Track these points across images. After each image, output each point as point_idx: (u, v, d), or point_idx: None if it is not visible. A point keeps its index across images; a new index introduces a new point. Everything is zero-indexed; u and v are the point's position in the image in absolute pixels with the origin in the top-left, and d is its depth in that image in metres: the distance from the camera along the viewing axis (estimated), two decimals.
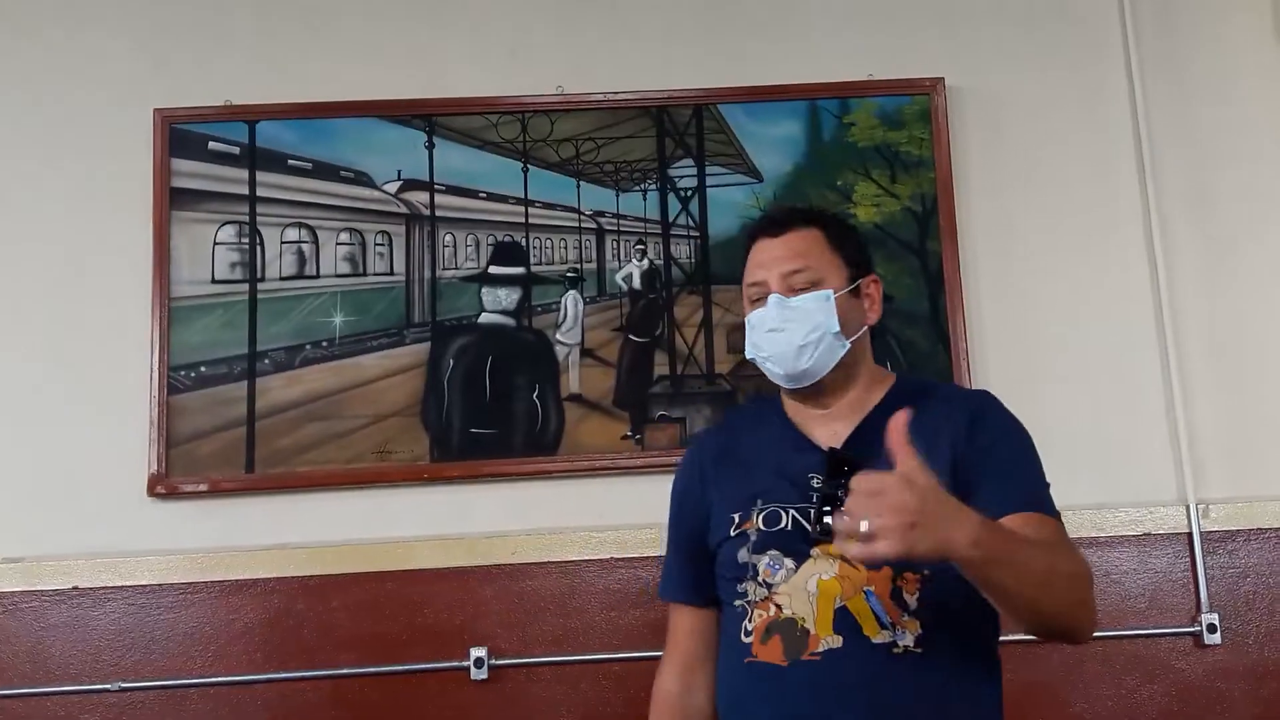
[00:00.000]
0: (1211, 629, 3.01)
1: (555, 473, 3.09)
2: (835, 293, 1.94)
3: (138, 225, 3.16)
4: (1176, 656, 3.03)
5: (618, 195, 3.25)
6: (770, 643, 1.86)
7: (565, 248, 3.23)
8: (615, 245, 3.24)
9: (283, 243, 3.21)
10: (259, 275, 3.18)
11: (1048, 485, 1.91)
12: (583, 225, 3.24)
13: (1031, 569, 1.65)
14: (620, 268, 3.23)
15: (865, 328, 1.99)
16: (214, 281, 3.17)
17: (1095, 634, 2.76)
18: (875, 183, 3.27)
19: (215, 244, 3.19)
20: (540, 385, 3.15)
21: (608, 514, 3.06)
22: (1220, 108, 3.33)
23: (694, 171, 3.27)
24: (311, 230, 3.22)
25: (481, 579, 3.01)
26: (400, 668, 2.96)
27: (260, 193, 3.22)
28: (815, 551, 1.86)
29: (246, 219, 3.21)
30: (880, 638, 1.78)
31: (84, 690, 2.94)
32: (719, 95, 3.30)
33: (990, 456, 1.85)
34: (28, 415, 3.10)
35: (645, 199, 3.26)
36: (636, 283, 3.22)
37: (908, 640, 1.78)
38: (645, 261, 3.23)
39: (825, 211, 2.17)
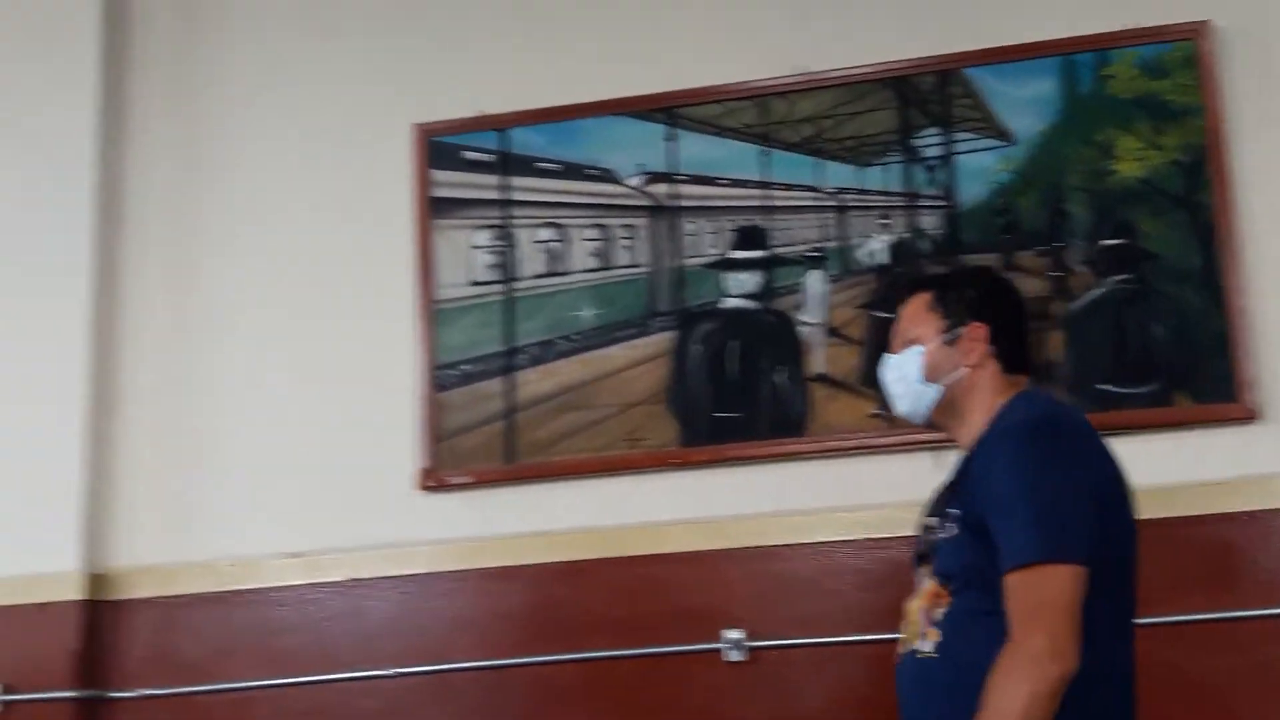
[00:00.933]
0: None
1: (802, 454, 3.05)
2: (925, 346, 2.17)
3: (401, 234, 3.34)
4: None
5: (859, 170, 3.19)
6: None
7: (807, 227, 3.19)
8: (858, 221, 3.17)
9: (534, 242, 3.31)
10: (514, 275, 3.30)
11: (1034, 519, 1.89)
12: (824, 203, 3.19)
13: None
14: (863, 244, 3.16)
15: (961, 369, 2.15)
16: (473, 284, 3.31)
17: None
18: (1137, 136, 3.07)
19: (472, 248, 3.33)
20: (785, 366, 3.12)
21: (858, 494, 2.99)
22: None
23: (939, 140, 3.16)
24: (561, 229, 3.31)
25: (732, 561, 3.00)
26: (654, 650, 2.98)
27: (513, 196, 3.33)
28: (921, 570, 2.12)
29: (501, 223, 3.33)
30: (916, 644, 2.04)
31: (361, 676, 3.10)
32: (964, 59, 3.18)
33: (991, 509, 1.96)
34: (305, 418, 3.31)
35: (887, 172, 3.18)
36: (881, 258, 3.14)
37: (928, 647, 2.01)
38: (890, 236, 3.15)
39: (940, 274, 2.60)
